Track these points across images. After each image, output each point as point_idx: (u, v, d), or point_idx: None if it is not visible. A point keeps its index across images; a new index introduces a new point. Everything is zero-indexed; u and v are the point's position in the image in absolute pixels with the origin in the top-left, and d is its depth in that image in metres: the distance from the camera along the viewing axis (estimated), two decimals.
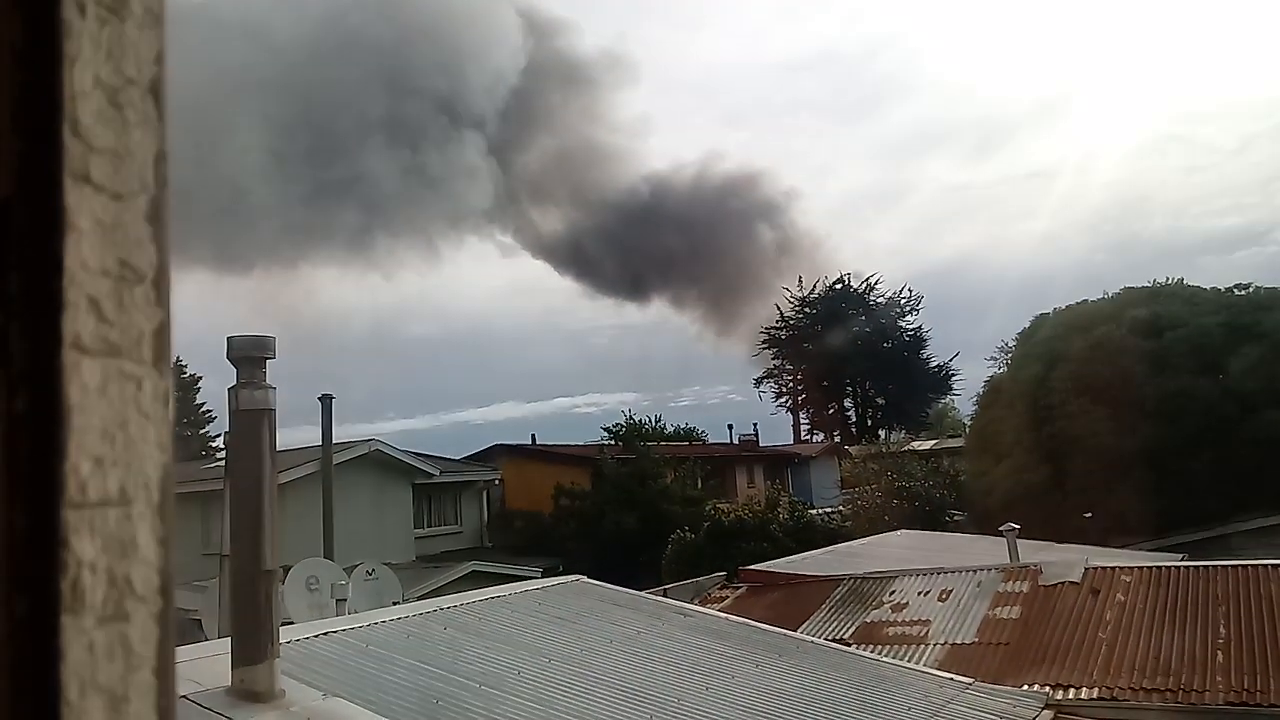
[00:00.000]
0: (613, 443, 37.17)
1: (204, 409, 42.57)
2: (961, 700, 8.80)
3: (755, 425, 49.19)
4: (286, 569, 10.66)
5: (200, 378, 40.64)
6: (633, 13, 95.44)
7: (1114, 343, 28.16)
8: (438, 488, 29.16)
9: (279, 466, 6.04)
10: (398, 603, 11.59)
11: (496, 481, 32.86)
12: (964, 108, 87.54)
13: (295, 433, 24.29)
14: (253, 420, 5.68)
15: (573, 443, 39.92)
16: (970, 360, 59.32)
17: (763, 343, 60.05)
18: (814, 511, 30.25)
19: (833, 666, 9.27)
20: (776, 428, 57.71)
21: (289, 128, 46.99)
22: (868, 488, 32.00)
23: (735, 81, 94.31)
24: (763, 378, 60.60)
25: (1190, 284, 32.73)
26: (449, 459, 31.64)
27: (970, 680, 9.65)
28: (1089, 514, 23.48)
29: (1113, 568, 14.21)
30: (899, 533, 22.84)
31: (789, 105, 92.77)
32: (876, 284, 58.92)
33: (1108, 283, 47.70)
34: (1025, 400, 29.22)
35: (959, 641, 12.78)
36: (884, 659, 10.74)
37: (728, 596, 16.16)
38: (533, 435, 40.55)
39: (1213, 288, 31.88)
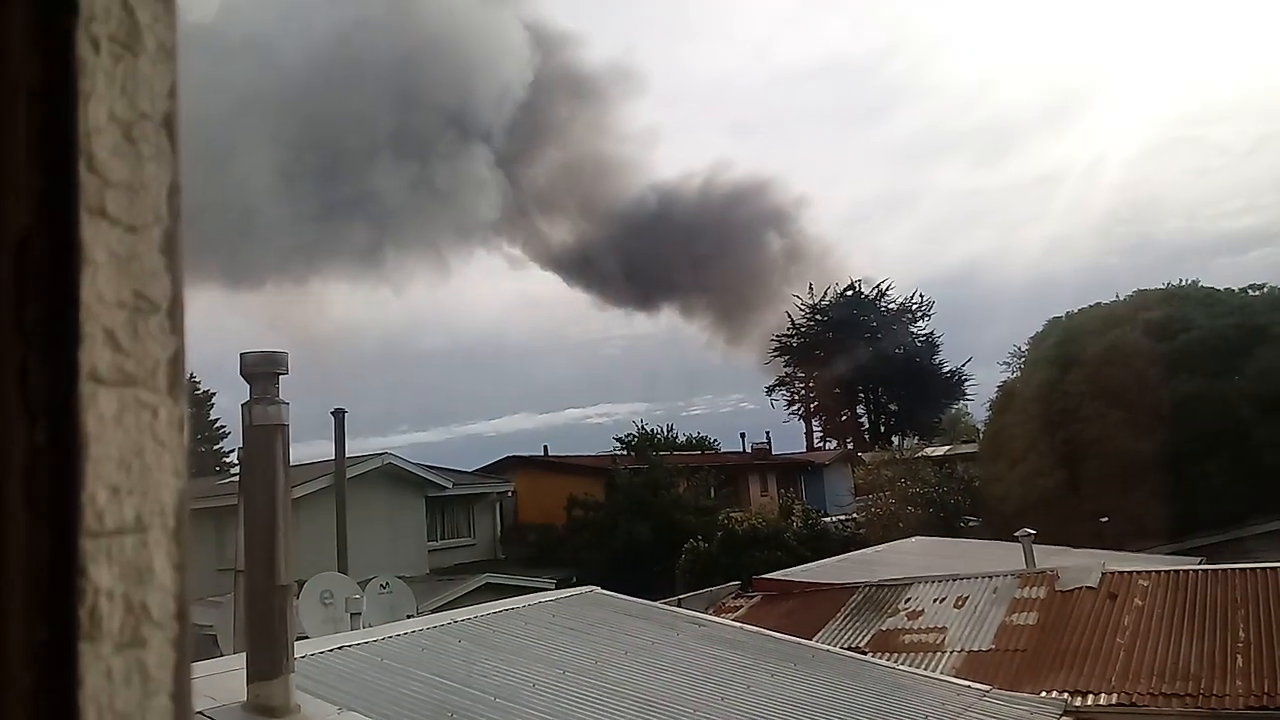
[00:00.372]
0: (625, 453, 37.15)
1: (217, 425, 42.78)
2: (979, 708, 8.76)
3: (768, 433, 49.14)
4: (301, 583, 10.68)
5: (213, 394, 40.85)
6: (640, 24, 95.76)
7: (1128, 345, 28.02)
8: (451, 500, 29.20)
9: (292, 481, 6.07)
10: (412, 616, 11.61)
11: (509, 493, 32.87)
12: (973, 112, 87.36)
13: (308, 447, 24.41)
14: (266, 435, 5.71)
15: (585, 454, 39.93)
16: (983, 365, 59.32)
17: (774, 350, 59.99)
18: (828, 519, 30.18)
19: (848, 675, 9.24)
20: (789, 436, 57.55)
21: (298, 144, 47.34)
22: (882, 494, 31.87)
23: (743, 91, 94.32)
24: (775, 386, 60.57)
25: (1204, 285, 32.55)
26: (461, 472, 31.69)
27: (987, 687, 9.60)
28: (1105, 518, 23.33)
29: (1130, 572, 14.12)
30: (914, 539, 22.75)
31: (797, 113, 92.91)
32: (888, 290, 58.84)
33: (1120, 285, 47.53)
34: (1039, 404, 29.08)
35: (976, 648, 12.72)
36: (900, 667, 10.70)
37: (742, 606, 16.12)
38: (545, 447, 40.56)
39: (1227, 289, 31.70)
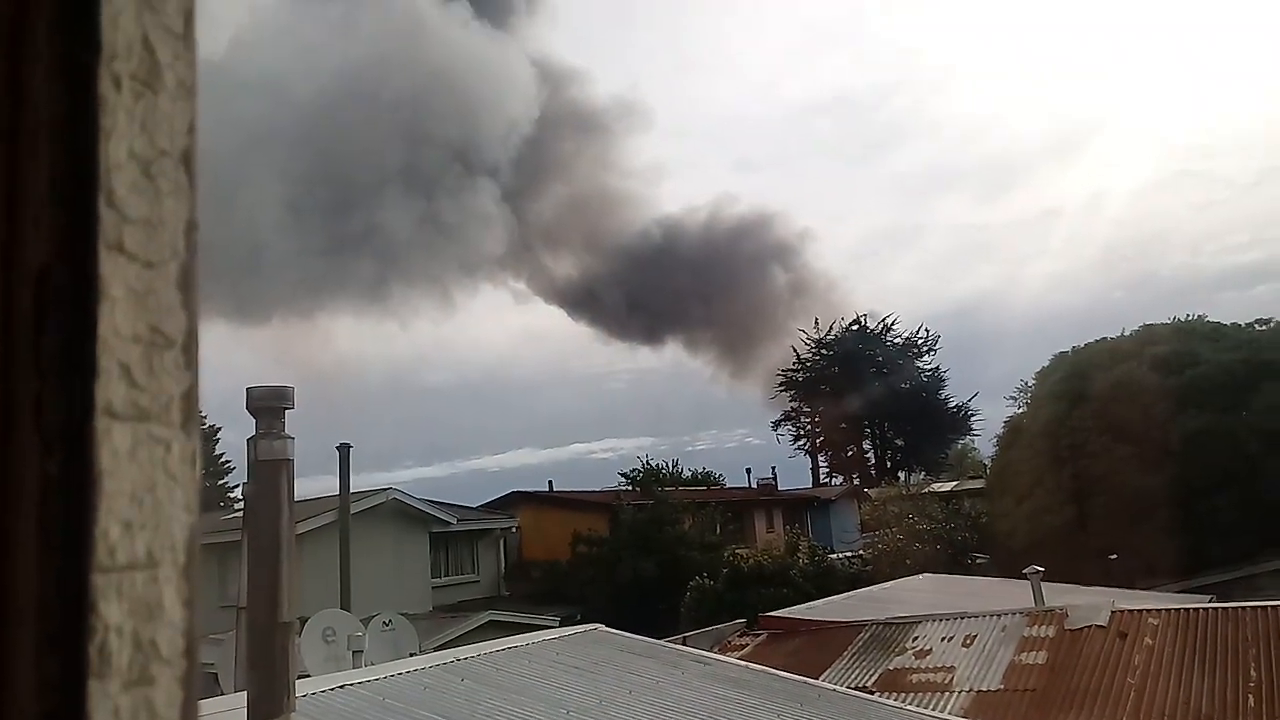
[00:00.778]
0: (630, 488, 36.95)
1: (223, 459, 42.74)
2: None
3: (774, 469, 48.93)
4: (303, 621, 10.62)
5: (219, 428, 40.87)
6: (645, 60, 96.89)
7: (1135, 381, 27.96)
8: (455, 536, 29.07)
9: (297, 517, 6.05)
10: (414, 654, 11.52)
11: (514, 529, 32.71)
12: (977, 147, 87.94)
13: (313, 482, 24.34)
14: (271, 471, 5.70)
15: (590, 489, 39.77)
16: (989, 400, 59.06)
17: (780, 385, 59.95)
18: (834, 556, 29.96)
19: (855, 715, 9.12)
20: (795, 471, 57.31)
21: (306, 180, 47.77)
22: (888, 531, 31.67)
23: (748, 126, 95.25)
24: (780, 420, 60.45)
25: (1210, 320, 32.54)
26: (466, 507, 31.57)
27: None
28: (1114, 555, 23.14)
29: (1140, 610, 13.99)
30: (921, 576, 22.58)
31: (801, 149, 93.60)
32: (893, 324, 58.91)
33: (1126, 320, 47.57)
34: (1046, 440, 28.97)
35: (985, 688, 12.57)
36: (908, 707, 10.56)
37: (748, 644, 15.97)
38: (549, 482, 40.42)
39: (1233, 324, 31.66)
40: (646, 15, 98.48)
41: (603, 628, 10.66)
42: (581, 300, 66.03)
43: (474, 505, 33.36)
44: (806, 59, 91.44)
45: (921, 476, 47.83)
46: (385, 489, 26.06)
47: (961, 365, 77.42)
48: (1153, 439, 25.75)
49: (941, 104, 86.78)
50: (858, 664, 14.11)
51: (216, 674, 10.77)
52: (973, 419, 56.60)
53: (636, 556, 27.78)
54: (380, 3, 51.82)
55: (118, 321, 0.55)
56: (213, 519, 22.55)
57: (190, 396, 0.59)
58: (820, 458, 60.46)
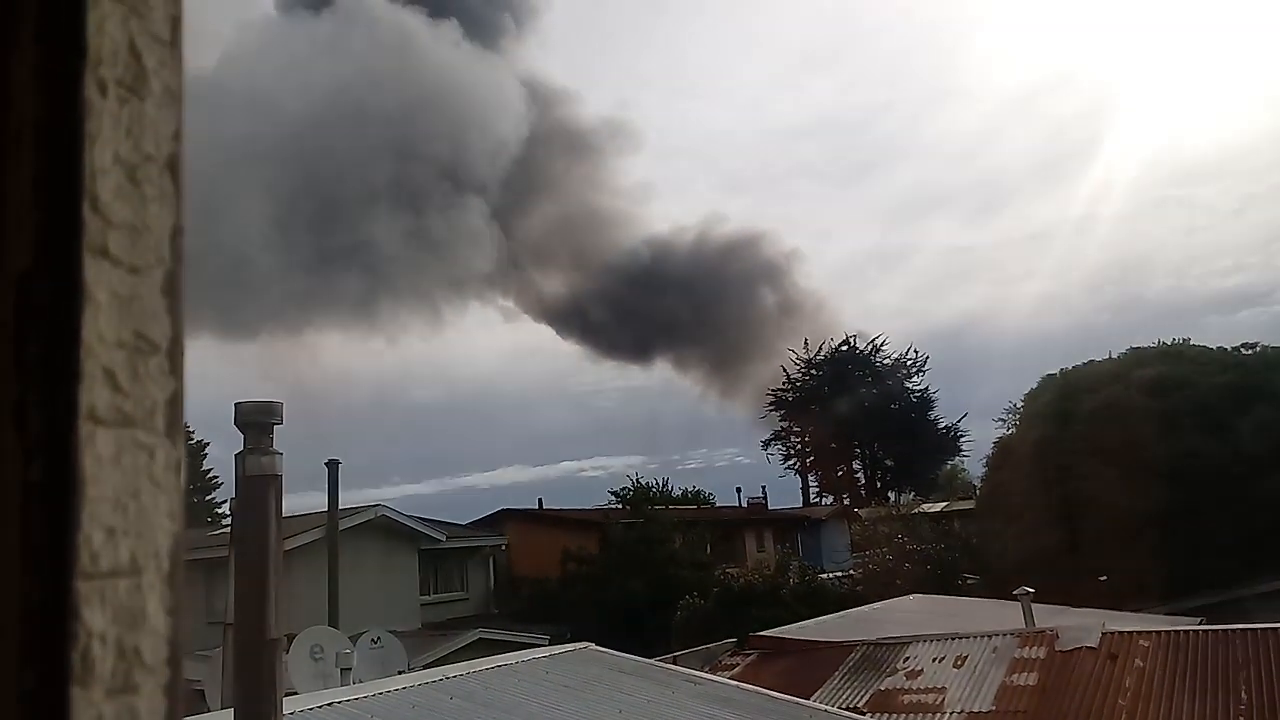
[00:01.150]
0: (620, 507, 36.85)
1: (210, 475, 42.53)
2: None
3: (764, 488, 48.90)
4: (290, 637, 10.53)
5: (207, 444, 40.67)
6: (635, 82, 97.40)
7: (1123, 403, 28.07)
8: (444, 554, 28.93)
9: (285, 533, 6.01)
10: (403, 671, 11.43)
11: (503, 547, 32.59)
12: (964, 170, 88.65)
13: (301, 498, 24.24)
14: (259, 486, 5.66)
15: (579, 507, 39.66)
16: (978, 421, 59.19)
17: (770, 405, 59.98)
18: (825, 575, 29.89)
19: None
20: (785, 490, 57.25)
21: (294, 195, 47.77)
22: (879, 551, 31.63)
23: (736, 148, 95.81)
24: (770, 440, 60.44)
25: (1196, 343, 32.74)
26: (455, 524, 31.44)
27: None
28: (1104, 577, 23.15)
29: (1130, 632, 13.98)
30: (912, 597, 22.53)
31: (790, 171, 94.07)
32: (882, 345, 59.07)
33: (1112, 343, 47.83)
34: (1035, 461, 29.04)
35: (976, 710, 12.53)
36: None
37: (738, 663, 15.89)
38: (539, 500, 40.30)
39: (1219, 347, 31.87)
40: (636, 37, 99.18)
41: (593, 646, 10.61)
42: (570, 318, 66.14)
43: (463, 523, 33.24)
44: (795, 81, 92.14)
45: (911, 497, 47.84)
46: (374, 505, 25.94)
47: (950, 386, 77.53)
48: (1141, 461, 25.82)
49: (930, 126, 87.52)
50: (849, 684, 14.05)
51: (203, 690, 10.66)
52: (962, 440, 56.76)
53: (626, 575, 27.68)
54: (370, 22, 52.02)
55: (101, 327, 0.55)
56: (200, 535, 22.40)
57: (175, 403, 0.59)
58: (810, 477, 60.45)
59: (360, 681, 9.69)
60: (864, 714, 12.04)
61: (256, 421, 5.67)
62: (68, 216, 0.54)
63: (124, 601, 0.54)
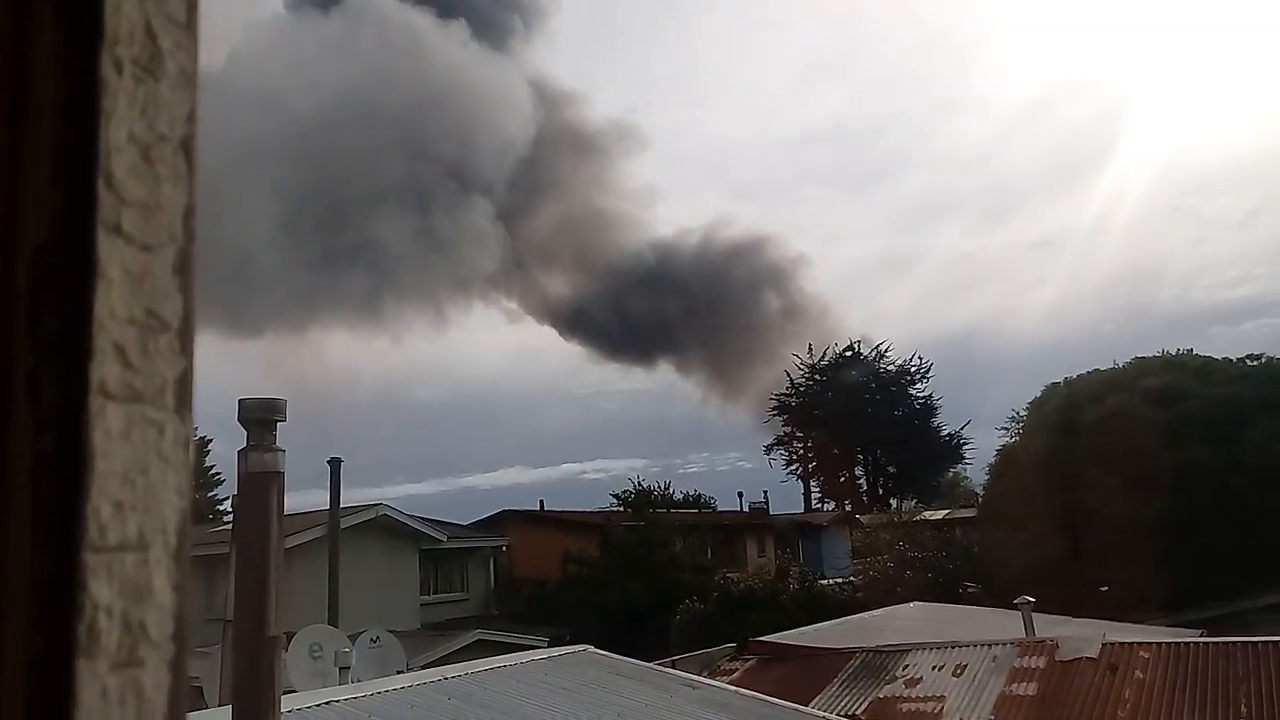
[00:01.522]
0: (621, 509, 36.83)
1: (212, 471, 42.56)
2: None
3: (765, 493, 48.86)
4: (290, 635, 10.53)
5: (210, 440, 40.70)
6: (643, 87, 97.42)
7: (1127, 412, 28.02)
8: (445, 554, 28.94)
9: (286, 530, 6.01)
10: (401, 671, 11.42)
11: (504, 548, 32.59)
12: (971, 178, 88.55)
13: (302, 496, 24.28)
14: (262, 483, 5.67)
15: (581, 509, 39.66)
16: (981, 429, 58.98)
17: (773, 409, 59.92)
18: (825, 581, 29.86)
19: None
20: (787, 496, 57.13)
21: (301, 194, 47.85)
22: (880, 558, 31.59)
23: (744, 155, 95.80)
24: (773, 445, 60.35)
25: (1201, 354, 32.67)
26: (456, 525, 31.45)
27: None
28: (1105, 588, 23.10)
29: (1131, 643, 13.96)
30: (912, 604, 22.50)
31: (798, 177, 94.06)
32: (887, 352, 58.98)
33: (1118, 353, 47.65)
34: (1038, 470, 28.98)
35: (975, 719, 12.50)
36: None
37: (737, 668, 15.88)
38: (540, 501, 40.28)
39: (1225, 358, 31.80)
40: (645, 42, 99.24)
41: (592, 649, 10.60)
42: (574, 320, 66.15)
43: (465, 523, 33.24)
44: (805, 88, 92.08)
45: (913, 504, 47.75)
46: (376, 505, 25.96)
47: (954, 393, 77.42)
48: (1145, 471, 25.76)
49: (939, 134, 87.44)
50: (848, 691, 14.03)
51: (201, 687, 10.67)
52: (965, 447, 56.62)
53: (627, 578, 27.67)
54: (379, 21, 52.13)
55: (114, 303, 0.55)
56: (202, 531, 22.42)
57: (185, 381, 0.59)
58: (812, 483, 60.37)
59: (358, 681, 9.69)
60: None
61: (260, 418, 5.68)
62: (84, 193, 0.54)
63: (131, 576, 0.55)
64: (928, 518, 38.91)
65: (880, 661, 14.83)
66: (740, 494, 48.02)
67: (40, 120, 0.54)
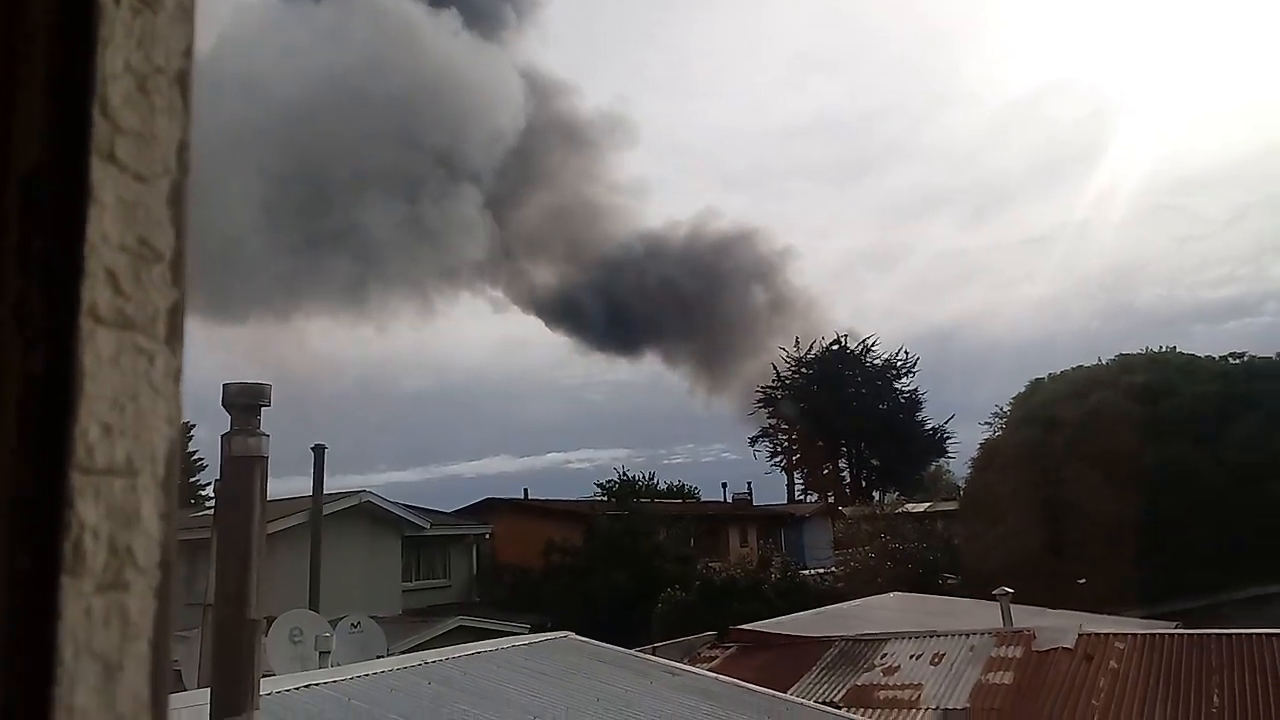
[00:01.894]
0: (605, 499, 36.85)
1: (195, 457, 42.26)
2: None
3: (749, 484, 48.99)
4: (270, 620, 10.50)
5: (193, 425, 40.40)
6: (634, 79, 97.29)
7: (1110, 409, 28.23)
8: (427, 541, 28.89)
9: (269, 516, 5.99)
10: (381, 657, 11.42)
11: (487, 536, 32.56)
12: (961, 173, 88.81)
13: (284, 483, 24.15)
14: (245, 467, 5.64)
15: (565, 498, 39.66)
16: (965, 424, 59.37)
17: (758, 401, 60.07)
18: (806, 572, 30.01)
19: None
20: (771, 487, 57.35)
21: (288, 180, 47.50)
22: (861, 549, 31.76)
23: (734, 147, 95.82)
24: (757, 437, 60.52)
25: (1184, 351, 32.93)
26: (440, 512, 31.39)
27: None
28: (1083, 580, 23.31)
29: (1106, 634, 14.10)
30: (891, 595, 22.65)
31: (787, 170, 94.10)
32: (873, 346, 59.19)
33: (1102, 350, 47.99)
34: (1021, 465, 29.18)
35: (951, 707, 12.61)
36: None
37: (717, 656, 15.95)
38: (525, 490, 40.24)
39: (1207, 356, 32.05)
40: (637, 32, 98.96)
41: (573, 635, 10.62)
42: (560, 311, 66.03)
43: (448, 511, 33.19)
44: (796, 81, 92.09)
45: (895, 497, 48.02)
46: (359, 491, 25.88)
47: (939, 388, 77.82)
48: (1125, 467, 25.97)
49: (928, 127, 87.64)
50: (826, 679, 14.12)
51: (180, 670, 10.63)
52: (948, 442, 56.94)
53: (610, 567, 27.73)
54: (370, 8, 51.74)
55: (106, 228, 0.55)
56: (183, 516, 22.23)
57: (176, 313, 0.59)
58: (796, 475, 60.60)
59: (339, 665, 9.67)
60: (840, 709, 12.09)
61: (244, 403, 5.65)
62: (77, 117, 0.54)
63: (118, 500, 0.55)
64: (910, 510, 39.15)
65: (859, 650, 14.94)
66: (724, 485, 48.19)
67: (35, 44, 0.54)
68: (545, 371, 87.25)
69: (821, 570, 32.04)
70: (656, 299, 64.55)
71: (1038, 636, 14.03)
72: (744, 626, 17.29)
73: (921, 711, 12.54)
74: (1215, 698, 11.72)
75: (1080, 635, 13.86)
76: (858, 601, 21.55)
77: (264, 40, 50.39)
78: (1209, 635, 13.43)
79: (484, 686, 8.13)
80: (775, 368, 59.77)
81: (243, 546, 5.58)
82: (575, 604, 25.79)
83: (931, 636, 14.85)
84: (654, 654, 13.56)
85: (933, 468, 58.26)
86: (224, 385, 5.62)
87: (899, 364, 58.64)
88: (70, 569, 0.52)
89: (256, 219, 44.98)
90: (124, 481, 0.55)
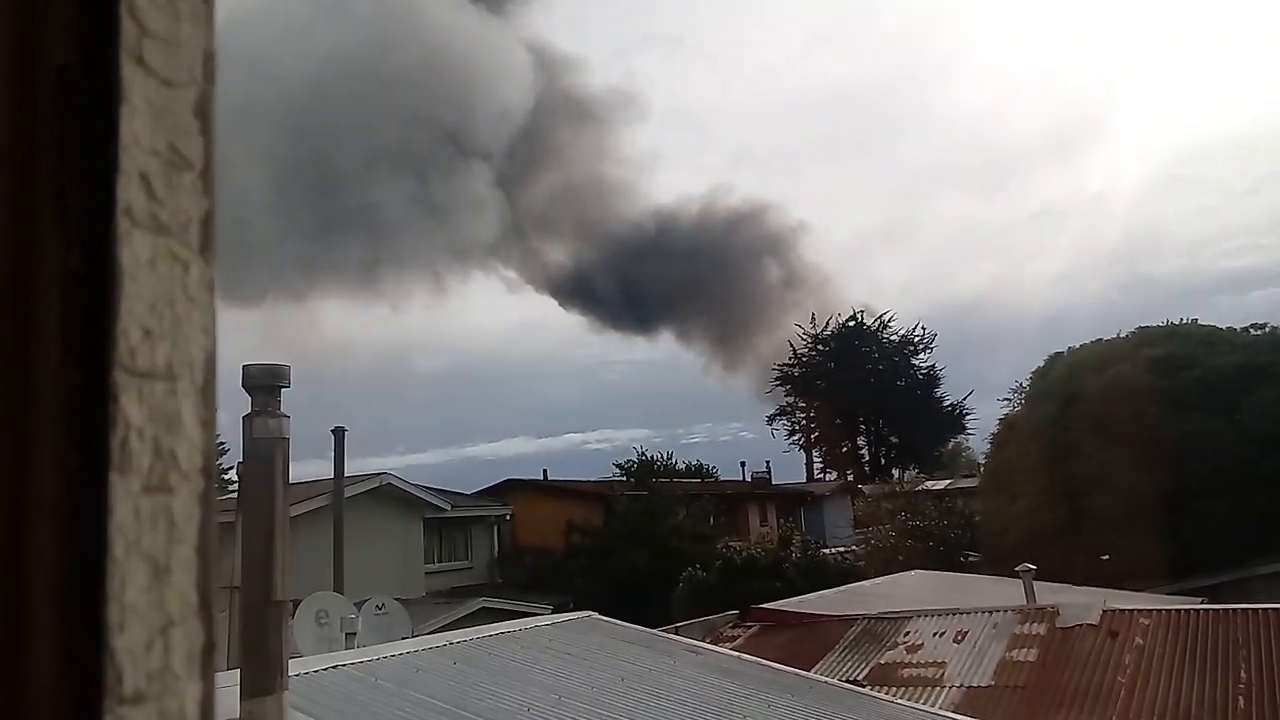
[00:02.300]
0: (624, 479, 36.92)
1: (215, 440, 42.63)
2: None
3: (768, 463, 48.97)
4: (296, 603, 10.60)
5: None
6: (646, 53, 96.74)
7: (1130, 382, 27.98)
8: (449, 523, 29.05)
9: (290, 500, 6.02)
10: (407, 638, 11.50)
11: (507, 517, 32.71)
12: (975, 145, 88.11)
13: (304, 466, 24.31)
14: (267, 448, 5.67)
15: (584, 479, 39.79)
16: (983, 399, 59.15)
17: (775, 379, 59.94)
18: (827, 551, 30.01)
19: (846, 708, 9.13)
20: (789, 466, 57.34)
21: (297, 161, 47.53)
22: (881, 527, 31.74)
23: (746, 120, 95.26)
24: (775, 415, 60.44)
25: (1205, 323, 32.59)
26: (460, 494, 31.54)
27: None
28: (1106, 556, 23.20)
29: (1131, 610, 14.03)
30: (913, 573, 22.62)
31: (799, 144, 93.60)
32: (890, 322, 58.90)
33: (1121, 322, 47.67)
34: (1040, 439, 29.02)
35: (975, 684, 12.60)
36: (899, 701, 10.58)
37: (740, 635, 15.99)
38: (544, 471, 40.39)
39: (1229, 328, 31.73)
40: (644, 6, 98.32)
41: (595, 615, 10.66)
42: (574, 289, 65.99)
43: (468, 492, 33.36)
44: (806, 52, 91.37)
45: (915, 474, 47.88)
46: (380, 474, 26.01)
47: (957, 364, 77.50)
48: (1146, 440, 25.77)
49: (941, 100, 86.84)
50: (849, 657, 14.14)
51: None
52: (967, 418, 56.69)
53: (630, 547, 27.81)
54: None
55: (138, 130, 0.54)
56: None
57: (208, 222, 0.58)
58: (815, 453, 60.54)
59: (364, 647, 9.75)
60: (864, 687, 12.10)
61: (264, 384, 5.67)
62: (106, 17, 0.53)
63: (160, 403, 0.54)
64: (929, 488, 39.06)
65: (881, 628, 14.93)
66: (743, 464, 48.22)
67: None
68: (561, 351, 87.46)
69: (842, 549, 32.04)
70: (670, 276, 64.44)
71: (1062, 613, 13.98)
72: (766, 605, 17.32)
73: (946, 689, 12.53)
74: (1242, 673, 11.66)
75: (1105, 611, 13.80)
76: (879, 580, 21.55)
77: (268, 21, 50.30)
78: (1235, 610, 13.35)
79: (509, 666, 8.18)
80: (792, 345, 59.65)
81: (267, 527, 5.63)
82: (596, 585, 25.91)
83: (954, 614, 14.83)
84: (676, 634, 13.61)
85: (952, 444, 58.04)
86: (244, 367, 5.65)
87: (916, 340, 58.40)
88: (118, 466, 0.51)
89: (267, 200, 45.06)
90: (165, 385, 0.55)
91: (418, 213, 52.18)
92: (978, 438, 52.27)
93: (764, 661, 10.67)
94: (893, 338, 58.77)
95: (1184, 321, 32.94)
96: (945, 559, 27.80)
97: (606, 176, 65.81)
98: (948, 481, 42.82)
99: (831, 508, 44.17)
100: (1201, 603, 15.94)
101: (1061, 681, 12.29)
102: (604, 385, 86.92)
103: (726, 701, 8.38)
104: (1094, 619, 13.64)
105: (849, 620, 15.45)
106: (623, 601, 20.12)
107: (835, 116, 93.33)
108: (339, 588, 17.04)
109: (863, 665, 13.78)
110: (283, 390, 5.77)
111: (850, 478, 52.75)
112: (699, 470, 47.79)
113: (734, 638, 15.83)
